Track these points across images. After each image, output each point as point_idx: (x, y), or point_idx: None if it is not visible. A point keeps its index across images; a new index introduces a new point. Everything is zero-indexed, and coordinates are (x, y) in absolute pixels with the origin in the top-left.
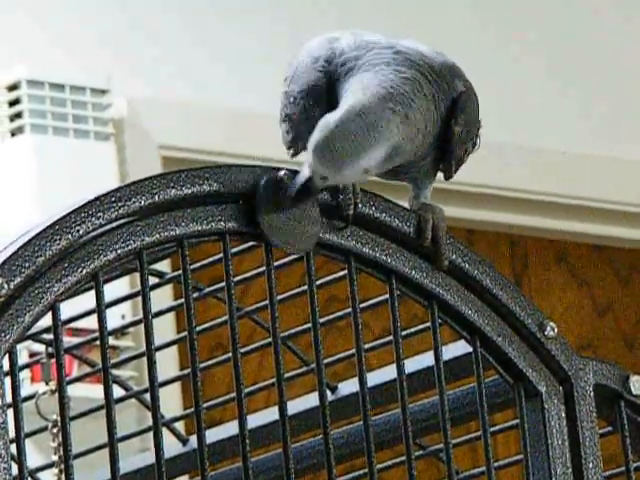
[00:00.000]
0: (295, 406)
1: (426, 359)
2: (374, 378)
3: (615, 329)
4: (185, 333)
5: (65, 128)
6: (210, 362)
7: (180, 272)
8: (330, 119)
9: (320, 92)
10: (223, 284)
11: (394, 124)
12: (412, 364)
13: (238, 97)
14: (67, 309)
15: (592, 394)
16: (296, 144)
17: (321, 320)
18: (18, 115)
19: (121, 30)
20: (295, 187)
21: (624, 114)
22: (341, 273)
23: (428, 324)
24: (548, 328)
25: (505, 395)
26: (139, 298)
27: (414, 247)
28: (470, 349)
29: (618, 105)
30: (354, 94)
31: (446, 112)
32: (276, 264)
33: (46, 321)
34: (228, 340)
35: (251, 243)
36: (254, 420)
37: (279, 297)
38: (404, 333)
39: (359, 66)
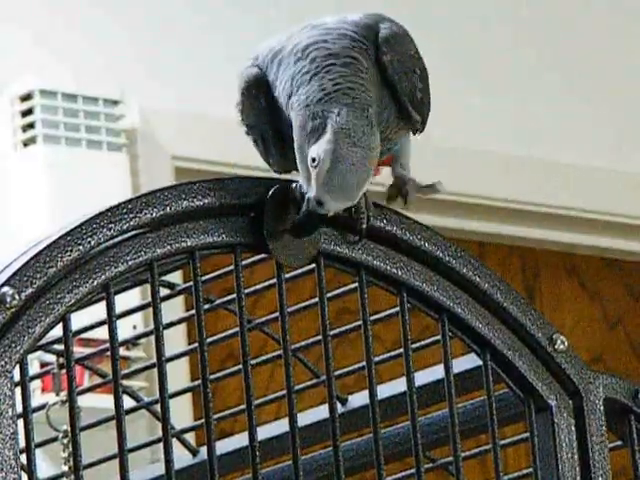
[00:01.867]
0: (305, 418)
1: (436, 372)
2: (384, 390)
3: (626, 342)
4: (196, 344)
5: (77, 139)
6: (221, 373)
7: (191, 283)
8: (325, 156)
9: (257, 80)
10: (234, 296)
11: (374, 128)
12: (422, 377)
13: None
14: (78, 320)
15: (602, 408)
16: (269, 149)
17: (332, 332)
18: (31, 125)
19: (134, 41)
20: (301, 216)
21: (637, 128)
22: (352, 285)
23: (438, 337)
24: (558, 342)
25: (515, 408)
26: (150, 309)
27: (422, 259)
28: (480, 362)
29: (631, 119)
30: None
31: (375, 54)
32: (287, 276)
33: (57, 331)
34: (239, 351)
35: (262, 255)
36: (264, 432)
37: (290, 309)
38: (414, 346)
39: (287, 53)
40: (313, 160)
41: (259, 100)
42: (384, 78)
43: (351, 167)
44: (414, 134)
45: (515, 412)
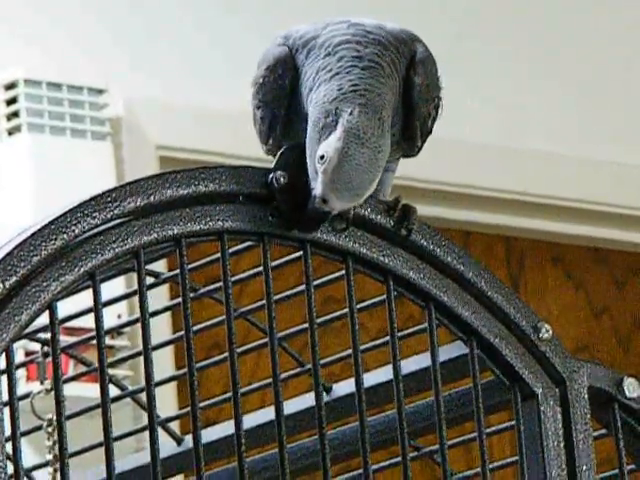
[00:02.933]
0: (290, 406)
1: (422, 360)
2: (370, 379)
3: (611, 331)
4: (181, 333)
5: (62, 127)
6: (206, 362)
7: (176, 272)
8: (333, 154)
9: (285, 60)
10: (219, 284)
11: (385, 131)
12: (408, 365)
13: (235, 98)
14: (63, 308)
15: (586, 396)
16: (274, 129)
17: (317, 320)
18: (15, 114)
19: (119, 30)
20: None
21: (622, 118)
22: (338, 274)
23: (424, 325)
24: (543, 330)
25: (500, 396)
26: (135, 297)
27: (410, 247)
28: (466, 350)
29: (615, 109)
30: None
31: (406, 71)
32: (273, 264)
33: (42, 320)
34: (224, 340)
35: (248, 243)
36: (249, 420)
37: (276, 297)
38: (400, 334)
39: (319, 45)
40: (321, 157)
41: (284, 80)
42: (407, 96)
43: (357, 167)
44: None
45: (500, 400)
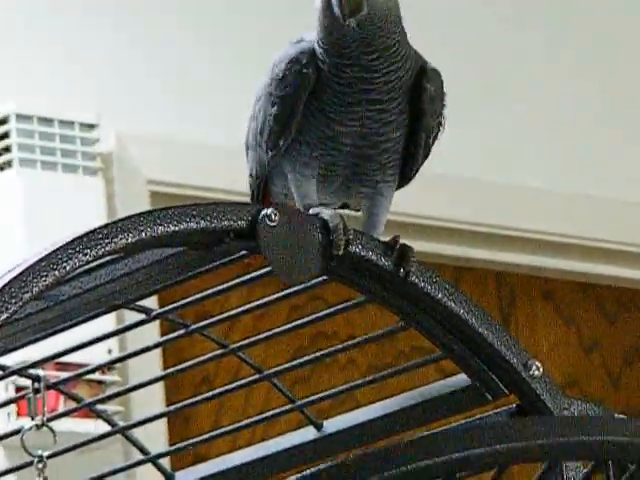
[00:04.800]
0: (280, 443)
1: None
2: (360, 416)
3: (601, 367)
4: (171, 369)
5: (53, 162)
6: (196, 399)
7: (167, 308)
8: None
9: (308, 52)
10: (209, 321)
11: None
12: (400, 401)
13: (226, 133)
14: (53, 343)
15: None
16: (289, 127)
17: (308, 357)
18: (6, 149)
19: (110, 65)
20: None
21: (613, 154)
22: (328, 310)
23: (417, 360)
24: (533, 368)
25: None
26: (126, 334)
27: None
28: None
29: (606, 145)
30: None
31: (416, 79)
32: (263, 302)
33: (33, 355)
34: (214, 375)
35: (240, 279)
36: (239, 457)
37: (266, 334)
38: (392, 370)
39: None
40: None
41: (308, 68)
42: (415, 106)
43: None
44: (396, 188)
45: None
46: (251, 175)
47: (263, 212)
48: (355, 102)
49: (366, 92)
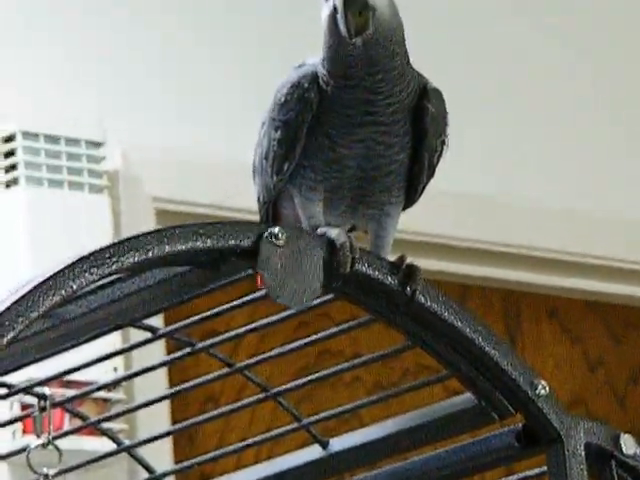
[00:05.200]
0: (286, 462)
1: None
2: (366, 434)
3: (607, 385)
4: (177, 388)
5: (60, 180)
6: (201, 417)
7: (173, 327)
8: None
9: (310, 76)
10: (215, 339)
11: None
12: (408, 420)
13: (233, 150)
14: (59, 362)
15: (583, 453)
16: (293, 151)
17: (314, 375)
18: (13, 167)
19: (117, 83)
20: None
21: (617, 173)
22: (334, 329)
23: (423, 379)
24: (540, 387)
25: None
26: (132, 352)
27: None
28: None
29: (611, 164)
30: None
31: (418, 100)
32: (267, 321)
33: (39, 374)
34: (219, 394)
35: (245, 299)
36: (244, 476)
37: (271, 353)
38: (398, 389)
39: None
40: None
41: (310, 93)
42: (418, 126)
43: None
44: (402, 209)
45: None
46: (259, 200)
47: (270, 231)
48: (359, 124)
49: (370, 114)
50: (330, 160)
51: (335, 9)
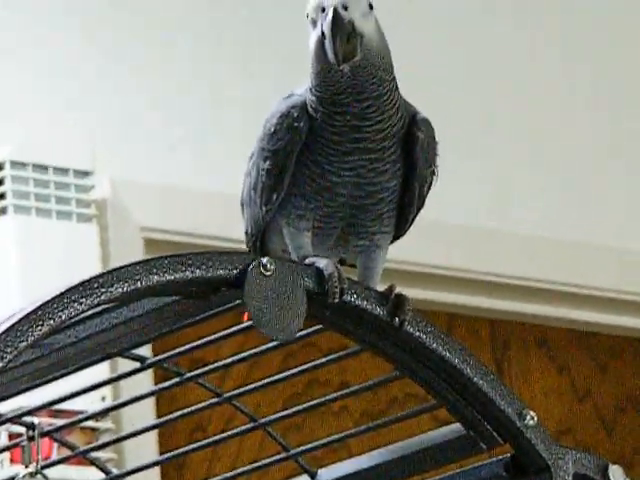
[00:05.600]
0: None
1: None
2: (353, 464)
3: (594, 414)
4: (165, 418)
5: (48, 209)
6: (189, 447)
7: (161, 357)
8: None
9: (300, 105)
10: (203, 369)
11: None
12: (398, 449)
13: (220, 180)
14: (47, 391)
15: None
16: (281, 181)
17: (303, 405)
18: (1, 196)
19: (105, 112)
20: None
21: (606, 201)
22: (322, 359)
23: (411, 409)
24: (528, 417)
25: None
26: (120, 382)
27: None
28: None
29: (599, 193)
30: None
31: (408, 128)
32: (255, 351)
33: (26, 403)
34: (207, 423)
35: (234, 329)
36: None
37: (260, 383)
38: (386, 419)
39: None
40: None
41: (299, 122)
42: (408, 155)
43: None
44: (391, 241)
45: None
46: (247, 233)
47: (257, 261)
48: (349, 151)
49: (359, 140)
50: (321, 188)
51: (323, 35)
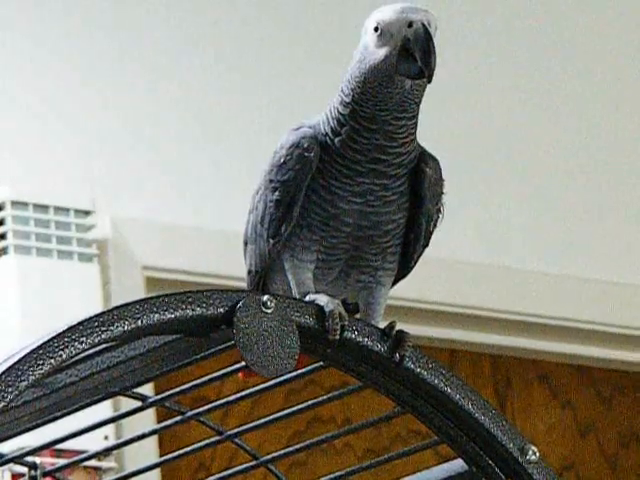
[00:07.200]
0: None
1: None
2: None
3: (597, 450)
4: (168, 456)
5: (49, 249)
6: None
7: (163, 395)
8: None
9: (310, 135)
10: (206, 407)
11: None
12: None
13: (222, 218)
14: (49, 430)
15: None
16: (290, 212)
17: (305, 442)
18: (2, 236)
19: (105, 152)
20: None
21: (605, 236)
22: (324, 397)
23: (414, 445)
24: (530, 452)
25: None
26: (122, 421)
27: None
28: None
29: (599, 227)
30: None
31: (417, 163)
32: (258, 388)
33: (29, 443)
34: (210, 461)
35: (235, 366)
36: None
37: (262, 420)
38: (389, 455)
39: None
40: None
41: (310, 152)
42: (416, 190)
43: None
44: (396, 281)
45: None
46: (250, 272)
47: (255, 298)
48: (365, 172)
49: (377, 162)
50: (328, 216)
51: (403, 47)
